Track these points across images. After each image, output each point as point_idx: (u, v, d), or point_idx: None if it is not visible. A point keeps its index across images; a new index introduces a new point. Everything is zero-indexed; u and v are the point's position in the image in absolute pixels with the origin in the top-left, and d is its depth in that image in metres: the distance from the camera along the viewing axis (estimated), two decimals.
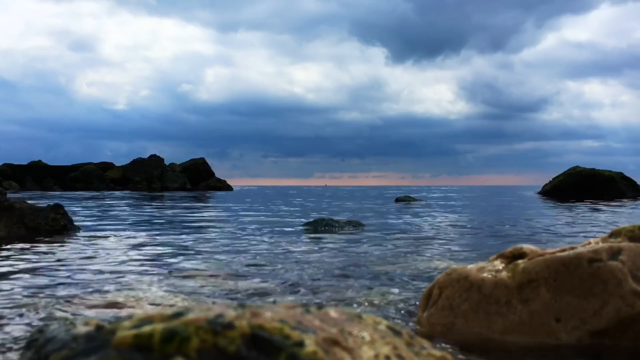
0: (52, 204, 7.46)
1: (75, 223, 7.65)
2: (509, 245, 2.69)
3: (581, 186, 27.24)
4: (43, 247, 5.71)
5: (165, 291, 3.44)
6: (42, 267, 4.41)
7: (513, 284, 2.38)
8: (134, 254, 5.34)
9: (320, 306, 1.32)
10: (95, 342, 1.14)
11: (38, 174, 45.83)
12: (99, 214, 12.34)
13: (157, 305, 3.03)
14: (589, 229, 8.40)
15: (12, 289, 3.51)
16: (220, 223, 9.66)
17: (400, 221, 10.17)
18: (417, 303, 2.88)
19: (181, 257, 5.08)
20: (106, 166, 49.35)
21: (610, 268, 2.27)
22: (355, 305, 3.01)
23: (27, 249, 5.61)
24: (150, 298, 3.22)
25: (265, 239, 6.80)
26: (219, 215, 12.13)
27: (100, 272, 4.21)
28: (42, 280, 3.82)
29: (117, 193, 33.07)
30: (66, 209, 7.61)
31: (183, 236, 7.14)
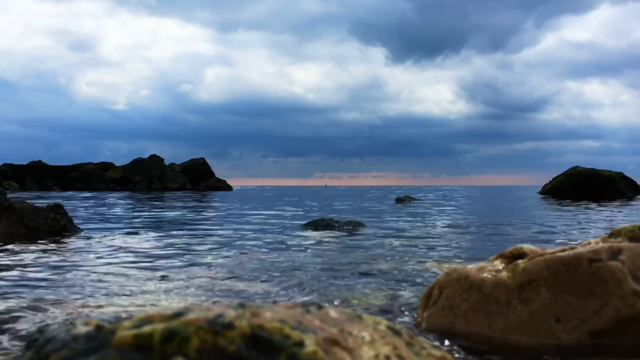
0: (52, 203, 7.46)
1: (75, 223, 7.65)
2: (509, 245, 2.69)
3: (581, 186, 27.25)
4: (43, 248, 5.71)
5: (165, 291, 3.44)
6: (41, 268, 4.41)
7: (513, 284, 2.38)
8: (134, 254, 5.34)
9: (320, 306, 1.32)
10: (95, 342, 1.14)
11: (38, 174, 45.83)
12: (99, 214, 12.34)
13: (157, 305, 3.03)
14: (589, 229, 8.40)
15: (11, 289, 3.51)
16: (220, 223, 9.66)
17: (400, 221, 10.17)
18: (417, 303, 2.88)
19: (181, 257, 5.08)
20: (106, 166, 49.35)
21: (610, 268, 2.27)
22: (354, 305, 3.01)
23: (27, 249, 5.61)
24: (150, 298, 3.22)
25: (265, 239, 6.80)
26: (218, 216, 12.13)
27: (100, 272, 4.21)
28: (41, 281, 3.82)
29: (117, 193, 33.07)
30: (66, 209, 7.60)
31: (183, 236, 7.14)
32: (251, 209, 14.79)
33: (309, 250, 5.57)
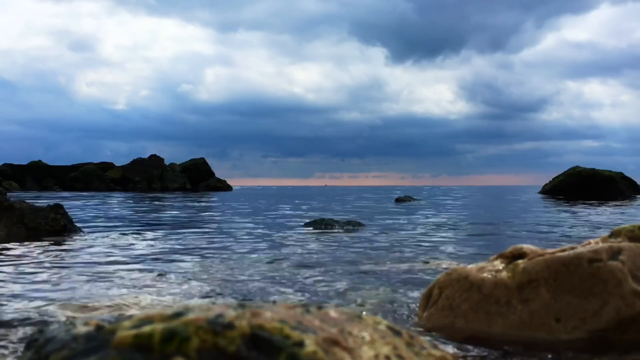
0: (52, 204, 7.46)
1: (75, 223, 7.65)
2: (509, 245, 2.69)
3: (581, 186, 27.25)
4: (43, 248, 5.71)
5: (165, 291, 3.44)
6: (41, 268, 4.41)
7: (513, 284, 2.38)
8: (133, 254, 5.34)
9: (320, 306, 1.32)
10: (95, 342, 1.14)
11: (38, 174, 45.83)
12: (99, 214, 12.34)
13: (157, 305, 3.03)
14: (589, 229, 8.40)
15: (11, 289, 3.51)
16: (220, 223, 9.66)
17: (399, 221, 10.17)
18: (417, 303, 2.87)
19: (181, 257, 5.07)
20: (106, 166, 49.34)
21: (610, 268, 2.27)
22: (354, 305, 3.01)
23: (27, 249, 5.61)
24: (149, 298, 3.22)
25: (265, 238, 6.80)
26: (218, 216, 12.13)
27: (100, 272, 4.21)
28: (41, 281, 3.82)
29: (117, 193, 33.07)
30: (65, 209, 7.60)
31: (183, 236, 7.14)
32: (251, 209, 14.79)
33: (309, 250, 5.57)
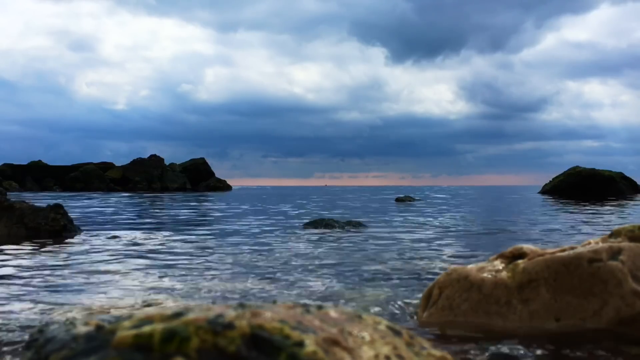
0: (52, 204, 7.46)
1: (75, 223, 7.65)
2: (509, 245, 2.69)
3: (581, 186, 27.26)
4: (43, 248, 5.71)
5: (165, 291, 3.44)
6: (41, 268, 4.41)
7: (513, 284, 2.38)
8: (133, 254, 5.34)
9: (320, 306, 1.32)
10: (95, 342, 1.14)
11: (38, 174, 45.83)
12: (99, 214, 12.34)
13: (157, 305, 3.03)
14: (589, 229, 8.40)
15: (11, 289, 3.51)
16: (220, 223, 9.66)
17: (400, 221, 10.17)
18: (417, 303, 2.87)
19: (181, 257, 5.07)
20: (106, 166, 49.34)
21: (610, 268, 2.27)
22: (354, 305, 3.01)
23: (27, 249, 5.61)
24: (149, 298, 3.22)
25: (265, 238, 6.80)
26: (219, 215, 12.13)
27: (100, 272, 4.21)
28: (41, 281, 3.82)
29: (117, 193, 33.07)
30: (65, 209, 7.60)
31: (183, 236, 7.14)
32: (251, 209, 14.79)
33: (309, 250, 5.57)
